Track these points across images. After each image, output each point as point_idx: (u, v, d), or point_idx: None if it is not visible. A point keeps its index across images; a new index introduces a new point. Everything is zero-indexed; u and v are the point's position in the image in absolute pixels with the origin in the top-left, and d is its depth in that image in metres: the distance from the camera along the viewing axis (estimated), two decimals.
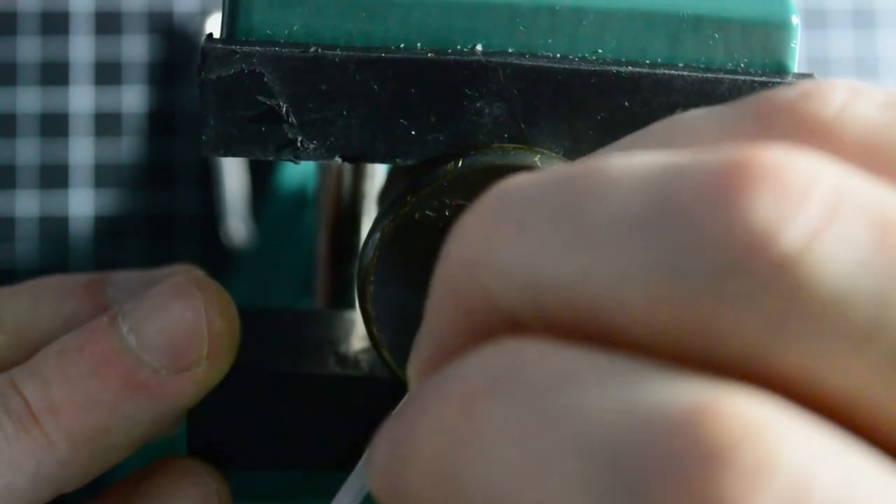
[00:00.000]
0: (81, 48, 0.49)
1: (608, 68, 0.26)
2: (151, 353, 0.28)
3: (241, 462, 0.31)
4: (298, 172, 0.47)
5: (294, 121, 0.26)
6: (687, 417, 0.15)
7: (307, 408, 0.31)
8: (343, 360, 0.32)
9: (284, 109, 0.26)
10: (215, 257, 0.48)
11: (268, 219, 0.47)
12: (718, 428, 0.15)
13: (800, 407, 0.16)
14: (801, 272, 0.15)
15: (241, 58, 0.26)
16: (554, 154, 0.27)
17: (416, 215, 0.27)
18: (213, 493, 0.30)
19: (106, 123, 0.49)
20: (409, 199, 0.27)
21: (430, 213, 0.27)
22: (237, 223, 0.48)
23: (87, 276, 0.33)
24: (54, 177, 0.48)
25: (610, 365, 0.16)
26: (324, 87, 0.26)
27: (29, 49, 0.49)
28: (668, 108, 0.26)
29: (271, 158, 0.27)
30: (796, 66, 0.27)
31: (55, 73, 0.49)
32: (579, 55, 0.27)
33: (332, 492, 0.27)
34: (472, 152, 0.26)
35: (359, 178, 0.37)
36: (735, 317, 0.16)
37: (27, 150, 0.48)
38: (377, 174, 0.37)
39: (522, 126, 0.27)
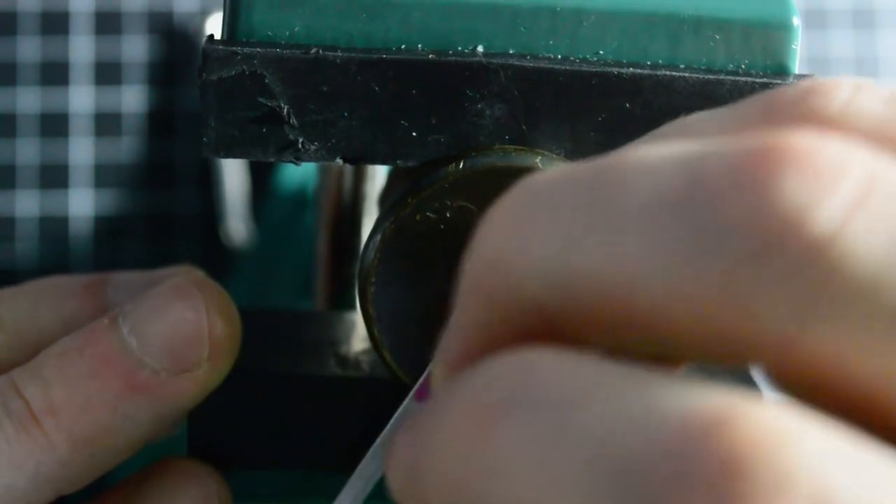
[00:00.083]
0: (81, 48, 0.49)
1: (609, 69, 0.26)
2: (152, 355, 0.28)
3: (241, 463, 0.31)
4: (299, 173, 0.47)
5: (295, 122, 0.26)
6: (703, 428, 0.15)
7: (307, 409, 0.31)
8: (343, 361, 0.32)
9: (285, 111, 0.26)
10: (215, 257, 0.48)
11: (268, 219, 0.47)
12: (735, 439, 0.14)
13: (829, 407, 0.16)
14: (833, 254, 0.15)
15: (243, 59, 0.26)
16: (555, 155, 0.27)
17: (417, 217, 0.27)
18: (213, 494, 0.30)
19: (106, 123, 0.49)
20: (410, 200, 0.27)
21: (431, 215, 0.27)
22: (237, 223, 0.48)
23: (87, 277, 0.33)
24: (54, 177, 0.48)
25: (625, 376, 0.16)
26: (325, 89, 0.26)
27: (29, 49, 0.49)
28: (670, 110, 0.26)
29: (272, 160, 0.27)
30: (797, 66, 0.27)
31: (55, 73, 0.49)
32: (580, 56, 0.27)
33: (333, 493, 0.27)
34: (474, 154, 0.26)
35: (359, 180, 0.37)
36: (766, 299, 0.15)
37: (27, 150, 0.48)
38: (378, 175, 0.37)
39: (524, 127, 0.27)
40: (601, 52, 0.27)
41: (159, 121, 0.49)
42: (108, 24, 0.50)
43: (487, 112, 0.26)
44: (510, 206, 0.18)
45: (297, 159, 0.27)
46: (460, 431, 0.17)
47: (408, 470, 0.18)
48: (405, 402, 0.26)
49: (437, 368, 0.20)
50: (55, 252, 0.48)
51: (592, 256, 0.17)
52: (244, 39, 0.26)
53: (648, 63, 0.27)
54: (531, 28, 0.27)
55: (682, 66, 0.27)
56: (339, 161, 0.27)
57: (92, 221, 0.48)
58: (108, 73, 0.49)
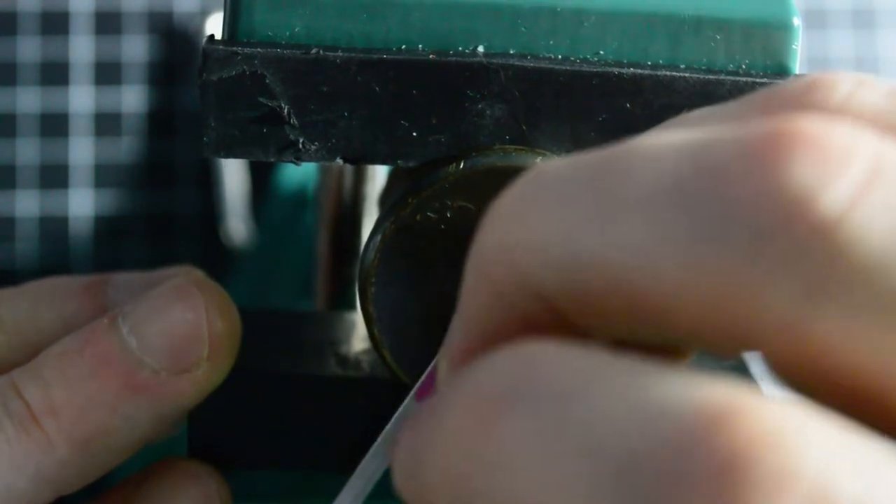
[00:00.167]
0: (81, 48, 0.49)
1: (610, 70, 0.26)
2: (152, 355, 0.28)
3: (241, 463, 0.31)
4: (299, 173, 0.47)
5: (295, 122, 0.26)
6: (704, 424, 0.15)
7: (308, 409, 0.31)
8: (343, 361, 0.32)
9: (286, 111, 0.26)
10: (215, 257, 0.48)
11: (268, 219, 0.47)
12: (736, 436, 0.14)
13: (831, 397, 0.16)
14: (840, 237, 0.15)
15: (243, 59, 0.26)
16: (556, 155, 0.27)
17: (418, 217, 0.27)
18: (213, 494, 0.30)
19: (106, 123, 0.49)
20: (410, 200, 0.27)
21: (432, 215, 0.27)
22: (237, 223, 0.48)
23: (87, 278, 0.33)
24: (54, 177, 0.48)
25: (628, 369, 0.16)
26: (325, 89, 0.26)
27: (29, 49, 0.49)
28: (670, 110, 0.26)
29: (272, 160, 0.27)
30: (797, 66, 0.27)
31: (55, 73, 0.49)
32: (581, 56, 0.27)
33: (333, 492, 0.27)
34: (474, 154, 0.26)
35: (360, 180, 0.37)
36: (772, 282, 0.15)
37: (27, 150, 0.48)
38: (378, 175, 0.37)
39: (524, 127, 0.27)
40: (602, 52, 0.27)
41: (159, 121, 0.49)
42: (108, 24, 0.50)
43: (488, 112, 0.26)
44: (517, 195, 0.18)
45: (298, 159, 0.27)
46: (462, 425, 0.17)
47: (411, 465, 0.18)
48: (406, 402, 0.26)
49: (442, 362, 0.20)
50: (55, 252, 0.48)
51: (598, 243, 0.17)
52: (244, 39, 0.26)
53: (649, 63, 0.27)
54: (532, 28, 0.27)
55: (682, 66, 0.27)
56: (340, 161, 0.27)
57: (92, 221, 0.48)
58: (108, 73, 0.49)
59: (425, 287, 0.27)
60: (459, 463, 0.16)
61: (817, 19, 0.53)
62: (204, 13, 0.50)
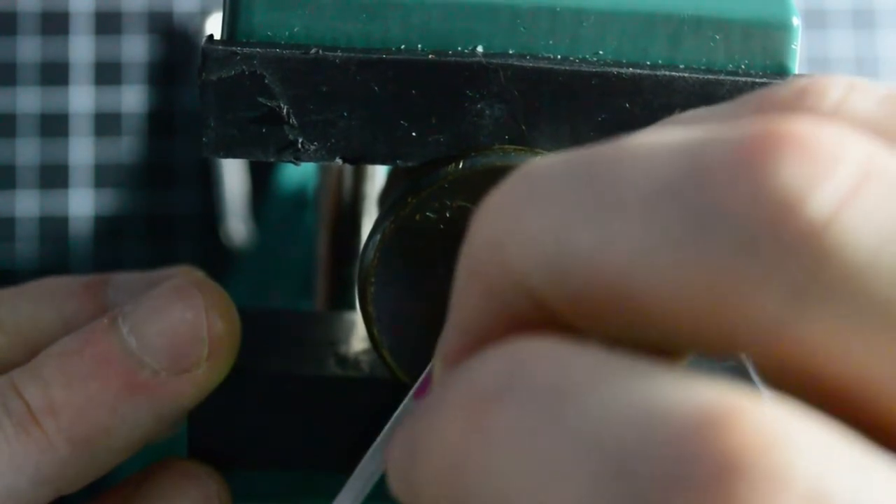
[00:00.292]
0: (81, 48, 0.49)
1: (609, 69, 0.26)
2: (152, 355, 0.28)
3: (241, 463, 0.31)
4: (299, 173, 0.47)
5: (295, 122, 0.26)
6: (699, 425, 0.15)
7: (307, 409, 0.31)
8: (343, 361, 0.32)
9: (285, 111, 0.26)
10: (215, 257, 0.48)
11: (268, 219, 0.47)
12: (733, 437, 0.14)
13: (817, 400, 0.16)
14: (827, 240, 0.15)
15: (242, 59, 0.26)
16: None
17: (417, 217, 0.27)
18: (213, 495, 0.30)
19: (106, 123, 0.49)
20: (409, 200, 0.27)
21: (431, 215, 0.27)
22: (237, 223, 0.48)
23: (87, 278, 0.33)
24: (54, 177, 0.48)
25: (622, 368, 0.16)
26: (324, 89, 0.26)
27: (29, 49, 0.49)
28: (669, 110, 0.26)
29: (272, 160, 0.27)
30: (797, 66, 0.27)
31: (55, 73, 0.49)
32: (580, 56, 0.27)
33: (333, 493, 0.27)
34: (473, 154, 0.26)
35: (359, 180, 0.37)
36: (760, 284, 0.15)
37: (27, 150, 0.48)
38: (378, 175, 0.37)
39: (523, 127, 0.27)
40: (601, 52, 0.27)
41: (159, 121, 0.49)
42: (108, 24, 0.50)
43: (487, 112, 0.26)
44: (508, 193, 0.18)
45: (297, 159, 0.27)
46: (455, 421, 0.17)
47: (405, 464, 0.18)
48: (405, 402, 0.26)
49: (436, 362, 0.20)
50: (55, 252, 0.48)
51: (588, 242, 0.17)
52: (244, 39, 0.26)
53: (648, 63, 0.27)
54: (531, 28, 0.27)
55: (681, 66, 0.27)
56: (339, 161, 0.27)
57: (92, 221, 0.48)
58: (108, 73, 0.49)
59: (425, 287, 0.27)
60: (452, 460, 0.16)
61: (817, 19, 0.53)
62: (204, 13, 0.50)
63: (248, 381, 0.30)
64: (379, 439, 0.26)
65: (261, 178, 0.49)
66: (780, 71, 0.27)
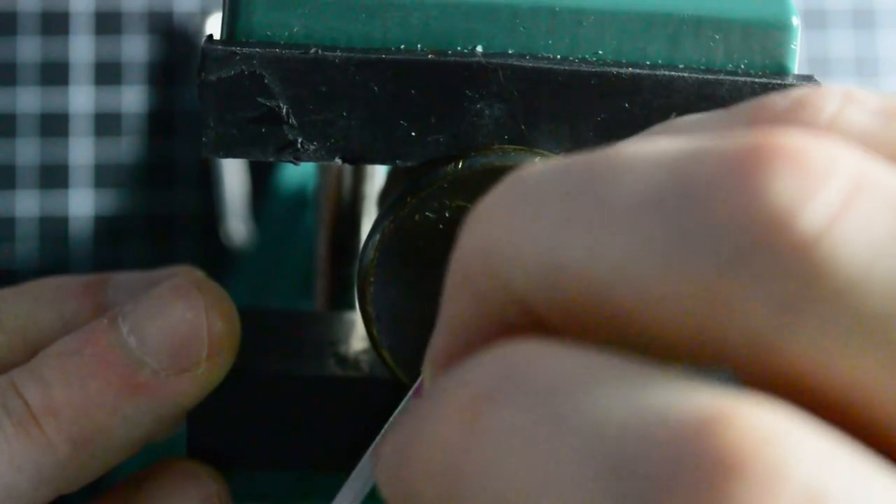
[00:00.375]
0: (81, 48, 0.49)
1: (608, 69, 0.26)
2: (152, 354, 0.28)
3: (241, 463, 0.31)
4: (298, 173, 0.47)
5: (294, 122, 0.26)
6: (698, 426, 0.15)
7: (307, 409, 0.31)
8: (343, 361, 0.32)
9: (284, 111, 0.26)
10: (215, 257, 0.48)
11: (268, 219, 0.47)
12: (730, 437, 0.14)
13: (807, 410, 0.16)
14: (819, 254, 0.15)
15: (242, 59, 0.26)
16: (554, 156, 0.27)
17: (416, 216, 0.27)
18: (213, 495, 0.30)
19: (106, 123, 0.49)
20: (409, 200, 0.27)
21: (430, 215, 0.27)
22: (237, 223, 0.48)
23: (87, 277, 0.33)
24: (54, 177, 0.48)
25: (618, 369, 0.16)
26: (324, 89, 0.26)
27: (29, 49, 0.49)
28: (669, 110, 0.26)
29: (271, 160, 0.27)
30: (796, 66, 0.27)
31: (55, 73, 0.49)
32: (580, 56, 0.27)
33: (332, 492, 0.27)
34: (473, 154, 0.26)
35: (359, 180, 0.37)
36: (749, 298, 0.15)
37: (27, 150, 0.48)
38: (377, 175, 0.37)
39: (523, 127, 0.27)
40: (600, 51, 0.27)
41: (159, 121, 0.49)
42: (108, 24, 0.50)
43: (486, 112, 0.26)
44: (498, 199, 0.18)
45: (297, 159, 0.27)
46: (451, 421, 0.17)
47: (396, 465, 0.18)
48: (404, 402, 0.26)
49: (426, 367, 0.20)
50: (55, 252, 0.48)
51: (577, 251, 0.17)
52: (243, 39, 0.26)
53: (647, 63, 0.27)
54: (530, 28, 0.27)
55: (681, 65, 0.27)
56: (338, 161, 0.27)
57: (92, 221, 0.48)
58: (108, 73, 0.49)
59: (424, 287, 0.27)
60: (449, 460, 0.16)
61: (817, 19, 0.53)
62: (204, 13, 0.50)
63: (248, 381, 0.30)
64: (378, 439, 0.27)
65: (261, 178, 0.49)
66: (780, 71, 0.27)
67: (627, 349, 0.17)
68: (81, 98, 0.49)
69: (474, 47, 0.27)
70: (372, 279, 0.27)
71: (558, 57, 0.27)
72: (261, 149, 0.26)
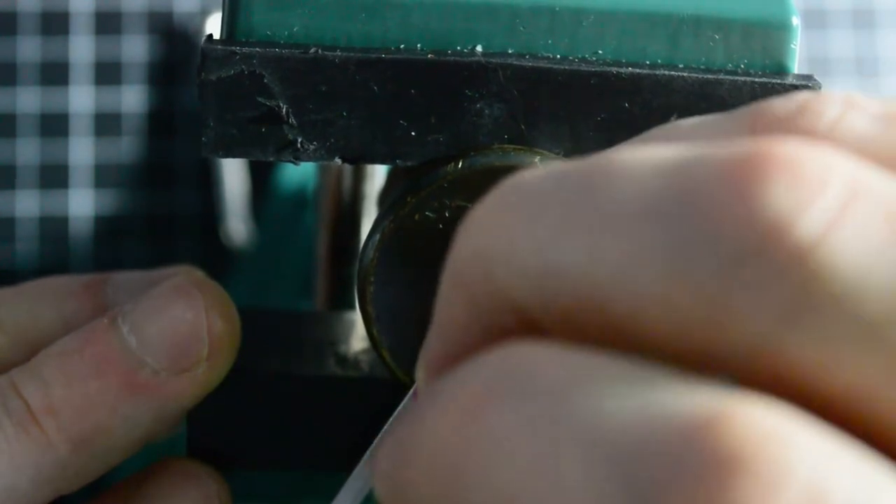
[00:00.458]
0: (81, 48, 0.49)
1: (608, 69, 0.26)
2: (152, 354, 0.28)
3: (241, 463, 0.31)
4: (298, 173, 0.47)
5: (294, 122, 0.26)
6: (701, 425, 0.15)
7: (307, 409, 0.31)
8: (343, 360, 0.32)
9: (284, 110, 0.26)
10: (215, 257, 0.48)
11: (268, 219, 0.47)
12: (733, 435, 0.14)
13: (808, 411, 0.16)
14: (816, 261, 0.15)
15: (241, 59, 0.26)
16: (554, 155, 0.27)
17: (416, 216, 0.27)
18: (213, 495, 0.30)
19: (106, 123, 0.49)
20: (409, 200, 0.27)
21: (430, 214, 0.27)
22: (237, 223, 0.48)
23: (87, 277, 0.33)
24: (54, 177, 0.48)
25: (619, 369, 0.16)
26: (324, 88, 0.26)
27: (29, 49, 0.49)
28: (669, 109, 0.26)
29: (271, 160, 0.27)
30: (796, 66, 0.27)
31: (55, 73, 0.49)
32: (579, 56, 0.27)
33: (332, 492, 0.27)
34: (473, 153, 0.26)
35: (359, 179, 0.37)
36: (747, 306, 0.16)
37: (27, 150, 0.48)
38: (377, 175, 0.37)
39: (523, 127, 0.27)
40: (600, 51, 0.27)
41: (159, 121, 0.49)
42: (108, 24, 0.50)
43: (486, 112, 0.26)
44: (494, 205, 0.18)
45: (296, 159, 0.27)
46: (449, 420, 0.17)
47: (395, 468, 0.18)
48: (404, 402, 0.26)
49: (420, 371, 0.20)
50: (55, 252, 0.48)
51: (576, 257, 0.17)
52: (243, 39, 0.26)
53: (647, 63, 0.27)
54: (530, 28, 0.27)
55: (681, 65, 0.27)
56: (338, 161, 0.27)
57: (92, 221, 0.48)
58: (108, 73, 0.49)
59: (424, 286, 0.27)
60: (449, 460, 0.16)
61: (817, 19, 0.53)
62: (204, 13, 0.50)
63: (248, 381, 0.30)
64: (378, 439, 0.27)
65: (261, 178, 0.49)
66: (780, 70, 0.27)
67: (625, 354, 0.17)
68: (81, 98, 0.49)
69: (474, 47, 0.27)
70: (372, 279, 0.27)
71: (558, 57, 0.27)
72: (261, 149, 0.26)
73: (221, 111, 0.26)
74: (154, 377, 0.28)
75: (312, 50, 0.26)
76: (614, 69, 0.26)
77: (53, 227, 0.48)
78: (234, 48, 0.26)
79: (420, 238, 0.27)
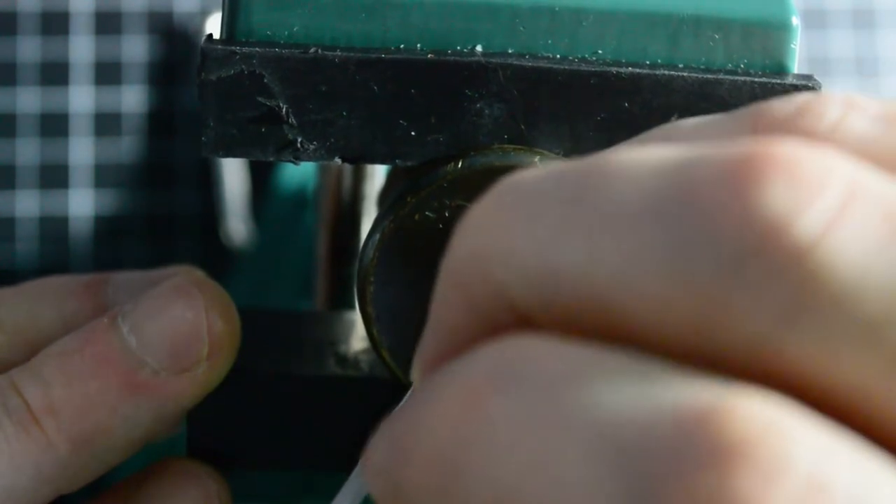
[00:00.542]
0: (81, 48, 0.49)
1: (608, 69, 0.26)
2: (152, 354, 0.28)
3: (241, 463, 0.31)
4: (298, 173, 0.47)
5: (294, 122, 0.26)
6: (700, 417, 0.15)
7: (307, 408, 0.31)
8: (343, 360, 0.32)
9: (284, 110, 0.26)
10: (215, 257, 0.48)
11: (268, 219, 0.47)
12: (733, 427, 0.15)
13: (807, 405, 0.16)
14: (814, 261, 0.15)
15: (241, 59, 0.26)
16: (554, 155, 0.27)
17: (416, 216, 0.27)
18: (213, 495, 0.30)
19: (106, 123, 0.49)
20: (408, 199, 0.27)
21: (430, 214, 0.27)
22: (237, 223, 0.48)
23: (87, 277, 0.33)
24: (54, 177, 0.48)
25: (619, 362, 0.16)
26: (324, 88, 0.26)
27: (29, 49, 0.49)
28: (668, 109, 0.26)
29: (271, 159, 0.27)
30: (796, 66, 0.27)
31: (55, 73, 0.49)
32: (579, 56, 0.27)
33: (332, 492, 0.27)
34: (473, 153, 0.26)
35: (359, 179, 0.37)
36: (746, 306, 0.16)
37: (27, 150, 0.48)
38: (377, 175, 0.37)
39: (523, 127, 0.27)
40: (600, 51, 0.27)
41: (159, 121, 0.49)
42: (108, 24, 0.50)
43: (486, 111, 0.26)
44: (492, 204, 0.18)
45: (296, 159, 0.27)
46: (447, 413, 0.17)
47: (391, 465, 0.18)
48: (403, 402, 0.26)
49: (415, 370, 0.20)
50: (55, 252, 0.48)
51: (572, 257, 0.17)
52: (243, 39, 0.26)
53: (647, 62, 0.27)
54: (530, 28, 0.27)
55: (680, 65, 0.27)
56: (338, 160, 0.27)
57: (92, 221, 0.48)
58: (108, 73, 0.49)
59: (424, 286, 0.27)
60: (444, 452, 0.16)
61: (817, 19, 0.53)
62: (204, 13, 0.50)
63: (248, 381, 0.30)
64: None
65: (261, 178, 0.49)
66: (780, 70, 0.27)
67: (623, 348, 0.17)
68: (81, 98, 0.49)
69: (474, 47, 0.27)
70: (372, 279, 0.27)
71: (558, 57, 0.27)
72: (261, 148, 0.26)
73: (221, 111, 0.26)
74: (154, 377, 0.28)
75: (312, 50, 0.26)
76: (614, 69, 0.26)
77: (53, 227, 0.48)
78: (234, 48, 0.26)
79: (420, 238, 0.27)
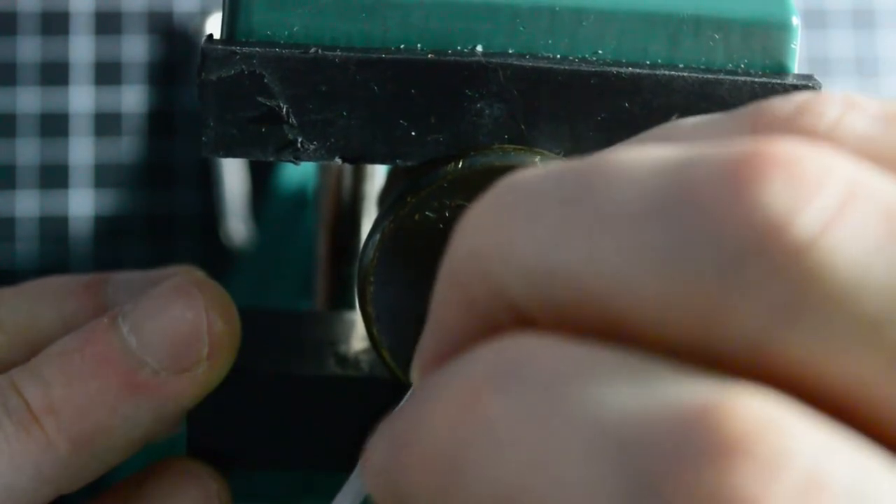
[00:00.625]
0: (81, 48, 0.49)
1: (608, 69, 0.26)
2: (152, 354, 0.28)
3: (241, 463, 0.31)
4: (298, 173, 0.47)
5: (294, 122, 0.26)
6: (700, 414, 0.15)
7: (307, 408, 0.31)
8: (343, 360, 0.32)
9: (284, 110, 0.26)
10: (215, 257, 0.48)
11: (268, 219, 0.47)
12: (732, 424, 0.15)
13: (807, 403, 0.16)
14: (813, 259, 0.15)
15: (242, 59, 0.26)
16: (554, 155, 0.27)
17: (416, 216, 0.27)
18: (213, 495, 0.30)
19: (106, 123, 0.49)
20: (409, 200, 0.27)
21: (430, 214, 0.27)
22: (237, 223, 0.48)
23: (87, 277, 0.33)
24: (54, 177, 0.48)
25: (618, 361, 0.16)
26: (324, 88, 0.26)
27: (29, 49, 0.49)
28: (669, 109, 0.26)
29: (271, 159, 0.27)
30: (796, 66, 0.27)
31: (55, 73, 0.49)
32: (579, 56, 0.27)
33: (332, 492, 0.27)
34: (473, 153, 0.26)
35: (359, 179, 0.37)
36: (745, 304, 0.16)
37: (27, 150, 0.48)
38: (377, 175, 0.37)
39: (523, 127, 0.27)
40: (600, 51, 0.27)
41: (159, 121, 0.49)
42: (108, 24, 0.50)
43: (486, 111, 0.26)
44: (491, 204, 0.18)
45: (296, 159, 0.27)
46: (447, 412, 0.17)
47: (389, 465, 0.18)
48: (403, 402, 0.26)
49: (414, 369, 0.20)
50: (55, 252, 0.48)
51: (572, 257, 0.17)
52: (243, 39, 0.26)
53: (647, 62, 0.27)
54: (530, 28, 0.27)
55: (681, 65, 0.27)
56: (338, 160, 0.27)
57: (92, 221, 0.48)
58: (108, 73, 0.49)
59: (424, 286, 0.27)
60: (444, 452, 0.16)
61: (817, 19, 0.53)
62: (204, 13, 0.50)
63: (248, 381, 0.30)
64: None
65: (261, 178, 0.49)
66: (780, 70, 0.27)
67: (623, 347, 0.17)
68: (81, 98, 0.49)
69: (474, 47, 0.27)
70: (372, 279, 0.27)
71: (558, 57, 0.27)
72: (261, 148, 0.26)
73: (221, 111, 0.26)
74: (154, 377, 0.28)
75: (312, 50, 0.26)
76: (614, 69, 0.26)
77: (53, 227, 0.48)
78: (234, 48, 0.26)
79: (420, 238, 0.27)
